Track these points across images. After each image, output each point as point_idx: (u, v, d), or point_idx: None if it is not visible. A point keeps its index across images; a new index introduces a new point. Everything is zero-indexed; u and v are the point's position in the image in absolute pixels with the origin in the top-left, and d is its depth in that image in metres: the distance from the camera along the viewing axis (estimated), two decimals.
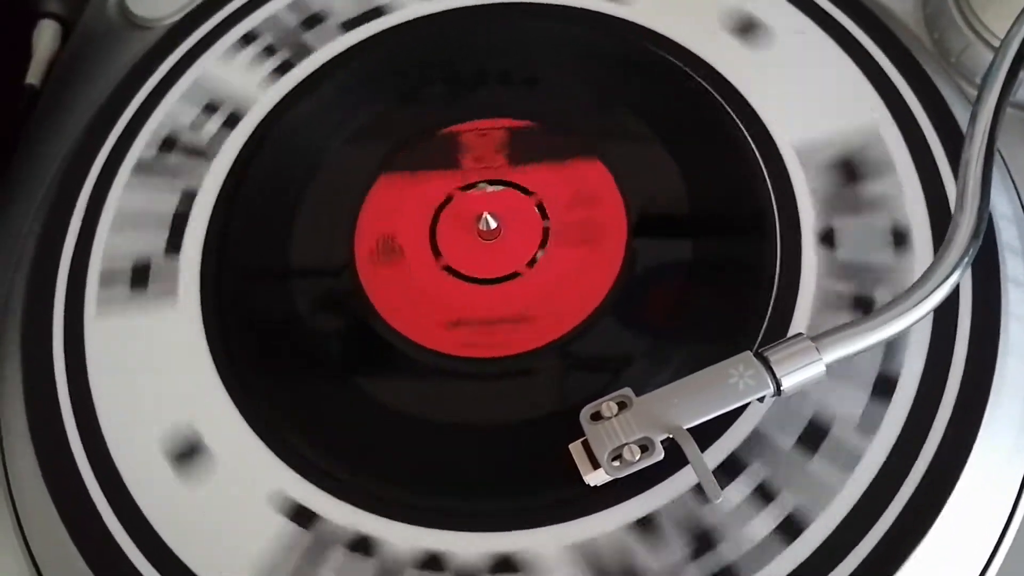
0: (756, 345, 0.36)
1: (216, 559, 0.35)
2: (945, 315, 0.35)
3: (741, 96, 0.42)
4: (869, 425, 0.34)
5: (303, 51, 0.46)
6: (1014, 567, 0.34)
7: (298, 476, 0.36)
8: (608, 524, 0.34)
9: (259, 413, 0.38)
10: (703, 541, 0.33)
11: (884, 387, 0.35)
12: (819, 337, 0.33)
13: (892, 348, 0.35)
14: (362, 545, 0.35)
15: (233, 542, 0.35)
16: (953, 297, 0.35)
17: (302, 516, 0.35)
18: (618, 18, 0.45)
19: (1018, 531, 0.34)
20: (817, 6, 0.43)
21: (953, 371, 0.35)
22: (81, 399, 0.39)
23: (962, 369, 0.35)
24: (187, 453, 0.37)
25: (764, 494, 0.34)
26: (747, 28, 0.43)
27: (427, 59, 0.46)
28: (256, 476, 0.36)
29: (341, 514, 0.35)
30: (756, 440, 0.35)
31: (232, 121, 0.45)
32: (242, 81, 0.46)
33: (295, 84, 0.45)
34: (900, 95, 0.40)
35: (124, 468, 0.37)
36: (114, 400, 0.39)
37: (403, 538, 0.34)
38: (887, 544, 0.32)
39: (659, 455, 0.32)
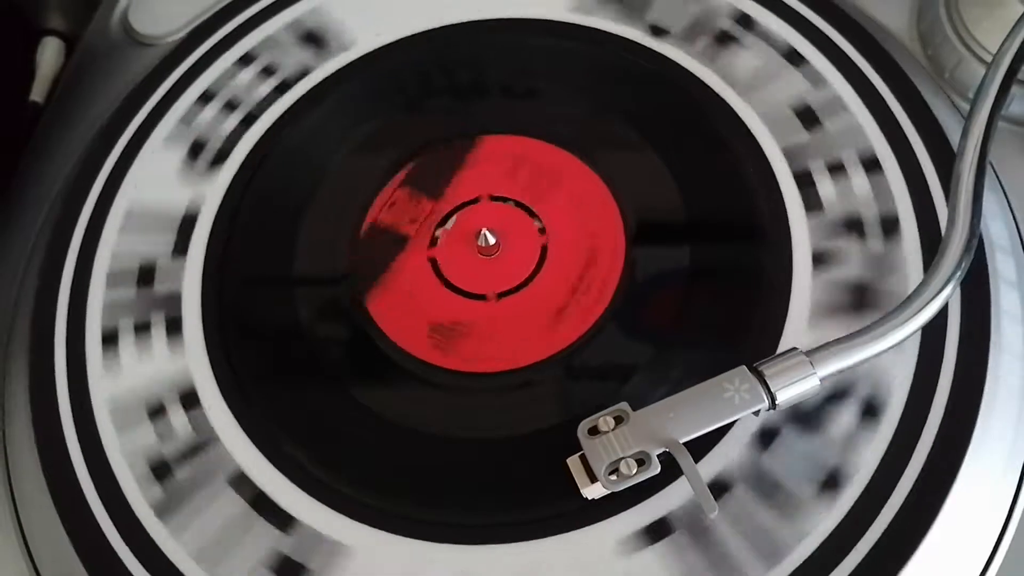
0: (753, 356, 0.36)
1: (208, 565, 0.35)
2: (935, 327, 0.36)
3: (730, 107, 0.42)
4: (861, 434, 0.35)
5: (304, 67, 0.47)
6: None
7: (292, 484, 0.37)
8: (606, 536, 0.34)
9: (257, 421, 0.38)
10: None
11: (876, 397, 0.35)
12: (813, 352, 0.33)
13: (884, 357, 0.35)
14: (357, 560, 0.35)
15: (225, 549, 0.36)
16: (943, 310, 0.35)
17: (291, 525, 0.36)
18: (613, 34, 0.45)
19: (1013, 538, 0.35)
20: (807, 21, 0.44)
21: (942, 380, 0.35)
22: (81, 404, 0.39)
23: (951, 379, 0.35)
24: (184, 459, 0.38)
25: (759, 500, 0.34)
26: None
27: (428, 73, 0.47)
28: (251, 484, 0.37)
29: (335, 525, 0.36)
30: (748, 448, 0.35)
31: (235, 136, 0.45)
32: (244, 98, 0.46)
33: (297, 99, 0.46)
34: (890, 109, 0.41)
35: (120, 474, 0.37)
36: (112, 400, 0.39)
37: (399, 552, 0.35)
38: (880, 551, 0.33)
39: (656, 469, 0.32)
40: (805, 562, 0.33)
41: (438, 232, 0.42)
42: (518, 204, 0.42)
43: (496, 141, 0.44)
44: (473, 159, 0.44)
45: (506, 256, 0.41)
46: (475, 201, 0.43)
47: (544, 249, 0.41)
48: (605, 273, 0.40)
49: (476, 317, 0.40)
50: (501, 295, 0.40)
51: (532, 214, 0.42)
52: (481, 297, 0.40)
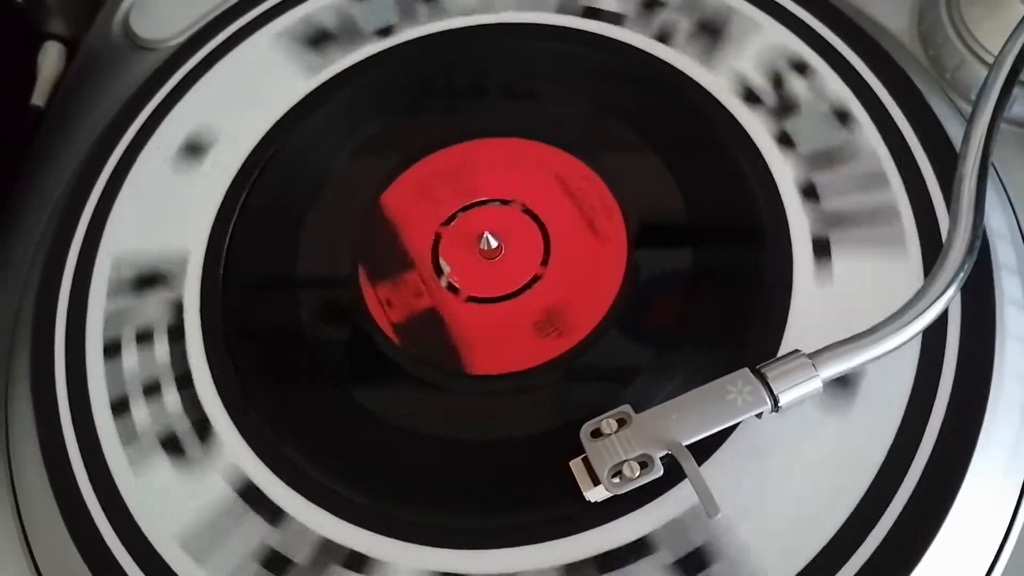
0: (755, 358, 0.36)
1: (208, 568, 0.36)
2: (936, 328, 0.35)
3: (729, 112, 0.42)
4: (862, 438, 0.34)
5: (306, 69, 0.47)
6: None
7: (295, 490, 0.36)
8: (605, 542, 0.34)
9: (257, 424, 0.38)
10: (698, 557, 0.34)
11: (876, 404, 0.35)
12: (816, 353, 0.33)
13: (885, 360, 0.35)
14: (357, 563, 0.35)
15: (226, 552, 0.36)
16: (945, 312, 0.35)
17: (299, 531, 0.36)
18: (613, 39, 0.45)
19: (1017, 542, 0.35)
20: (806, 24, 0.44)
21: (943, 385, 0.35)
22: (82, 412, 0.39)
23: (951, 384, 0.35)
24: (184, 462, 0.38)
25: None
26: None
27: (430, 76, 0.47)
28: (253, 488, 0.37)
29: (340, 531, 0.36)
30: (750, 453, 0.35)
31: (237, 138, 0.45)
32: (247, 99, 0.46)
33: (299, 100, 0.46)
34: (888, 112, 0.41)
35: (121, 479, 0.37)
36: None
37: (400, 556, 0.35)
38: (882, 558, 0.33)
39: (658, 471, 0.32)
40: (808, 565, 0.33)
41: (443, 231, 0.42)
42: (521, 207, 0.42)
43: (496, 144, 0.44)
44: (473, 162, 0.44)
45: (508, 259, 0.41)
46: (476, 204, 0.43)
47: (546, 252, 0.41)
48: (608, 276, 0.40)
49: (477, 318, 0.40)
50: (503, 298, 0.40)
51: (533, 216, 0.42)
52: (481, 299, 0.40)
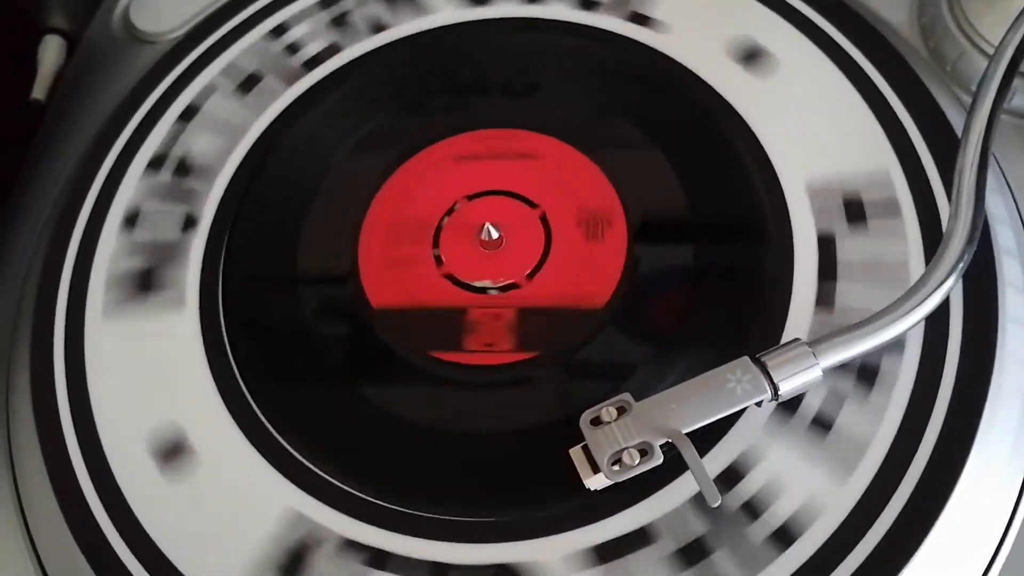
0: (756, 348, 0.36)
1: (207, 563, 0.35)
2: (938, 319, 0.36)
3: (732, 107, 0.42)
4: (864, 429, 0.34)
5: (307, 64, 0.47)
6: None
7: (295, 485, 0.36)
8: (608, 532, 0.34)
9: (256, 421, 0.38)
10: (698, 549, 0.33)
11: (880, 391, 0.35)
12: (816, 342, 0.33)
13: (887, 351, 0.35)
14: (363, 557, 0.35)
15: (226, 547, 0.36)
16: (947, 301, 0.35)
17: (299, 525, 0.36)
18: (617, 34, 0.45)
19: (1018, 534, 0.34)
20: (810, 20, 0.44)
21: (946, 376, 0.35)
22: (80, 406, 0.39)
23: (954, 375, 0.35)
24: (184, 459, 0.37)
25: (760, 499, 0.34)
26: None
27: (429, 70, 0.47)
28: (251, 483, 0.37)
29: (339, 524, 0.36)
30: (753, 445, 0.35)
31: (237, 132, 0.45)
32: (246, 94, 0.46)
33: (298, 95, 0.46)
34: (890, 105, 0.41)
35: (120, 475, 0.37)
36: (112, 407, 0.39)
37: (403, 549, 0.35)
38: (884, 548, 0.32)
39: (658, 459, 0.32)
40: (806, 563, 0.33)
41: (443, 222, 0.42)
42: (522, 199, 0.42)
43: (502, 136, 0.44)
44: (471, 157, 0.44)
45: (509, 250, 0.41)
46: (476, 196, 0.43)
47: (547, 244, 0.41)
48: (608, 269, 0.40)
49: (476, 311, 0.40)
50: (502, 289, 0.40)
51: (534, 208, 0.42)
52: (482, 291, 0.40)
